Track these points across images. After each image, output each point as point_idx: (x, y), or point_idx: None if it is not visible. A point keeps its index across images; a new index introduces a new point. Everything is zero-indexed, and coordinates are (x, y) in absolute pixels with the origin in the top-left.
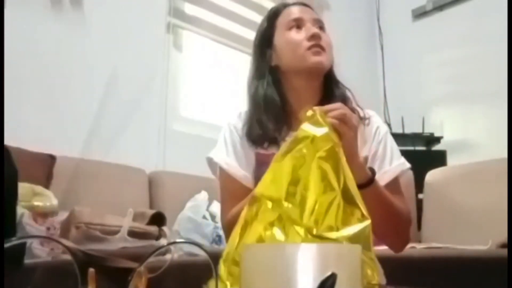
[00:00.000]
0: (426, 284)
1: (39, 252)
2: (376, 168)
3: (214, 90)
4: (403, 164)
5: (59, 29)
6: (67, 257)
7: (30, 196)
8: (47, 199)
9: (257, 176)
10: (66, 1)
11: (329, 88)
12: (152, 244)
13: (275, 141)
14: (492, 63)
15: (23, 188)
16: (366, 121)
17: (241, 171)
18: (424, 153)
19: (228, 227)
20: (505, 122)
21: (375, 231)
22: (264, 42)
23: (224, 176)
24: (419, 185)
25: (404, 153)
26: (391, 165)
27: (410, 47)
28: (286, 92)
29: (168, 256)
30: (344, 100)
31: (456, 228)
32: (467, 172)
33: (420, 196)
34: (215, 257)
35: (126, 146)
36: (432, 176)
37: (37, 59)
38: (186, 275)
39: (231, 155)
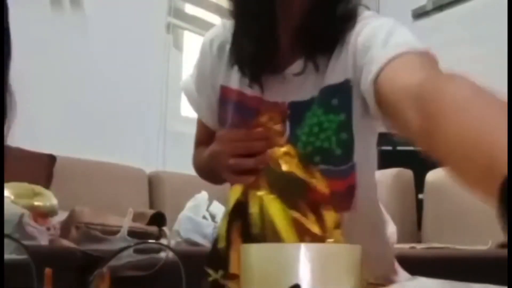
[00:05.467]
0: None
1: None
2: (365, 60)
3: None
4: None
5: (58, 29)
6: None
7: (30, 196)
8: (47, 199)
9: (219, 114)
10: (66, 1)
11: None
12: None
13: (255, 66)
14: (492, 63)
15: (23, 188)
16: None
17: (202, 108)
18: (424, 153)
19: (197, 171)
20: None
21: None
22: None
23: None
24: (419, 185)
25: (404, 153)
26: (387, 45)
27: None
28: None
29: (162, 254)
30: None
31: (456, 228)
32: None
33: (420, 196)
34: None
35: (126, 146)
36: (432, 176)
37: (37, 59)
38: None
39: (196, 85)
